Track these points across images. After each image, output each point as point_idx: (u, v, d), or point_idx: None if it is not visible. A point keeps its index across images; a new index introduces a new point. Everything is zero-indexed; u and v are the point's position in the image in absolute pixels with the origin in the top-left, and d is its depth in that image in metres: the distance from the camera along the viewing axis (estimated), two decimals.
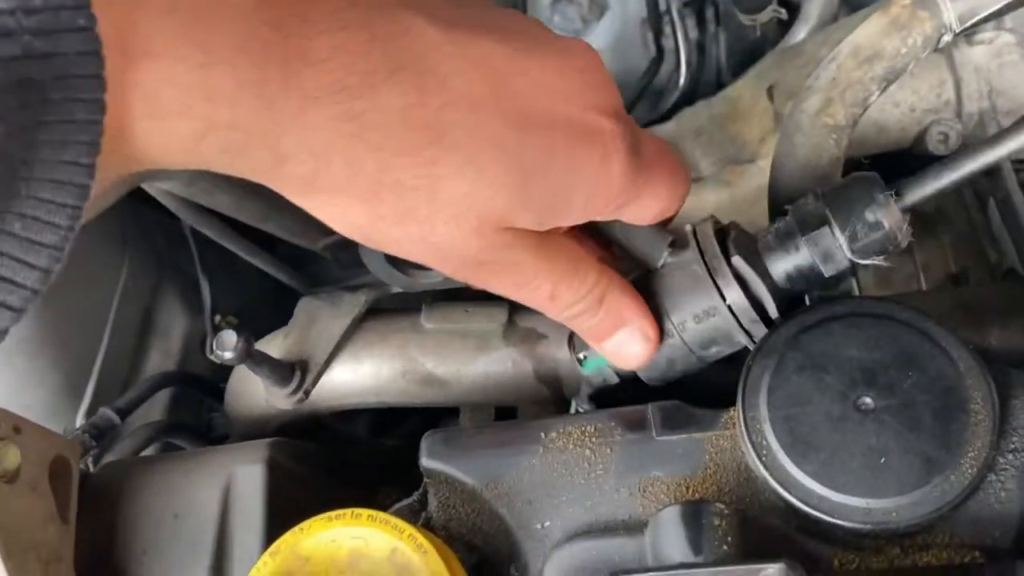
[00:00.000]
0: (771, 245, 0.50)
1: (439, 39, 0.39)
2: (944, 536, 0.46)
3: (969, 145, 0.51)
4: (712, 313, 0.49)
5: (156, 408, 0.82)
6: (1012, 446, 0.47)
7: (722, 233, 0.51)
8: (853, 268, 0.50)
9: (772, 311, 0.50)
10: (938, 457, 0.45)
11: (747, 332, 0.50)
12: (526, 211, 0.42)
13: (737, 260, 0.49)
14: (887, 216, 0.48)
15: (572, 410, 0.59)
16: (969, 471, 0.45)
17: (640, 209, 0.47)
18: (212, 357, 0.79)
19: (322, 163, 0.37)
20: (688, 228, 0.51)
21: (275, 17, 0.34)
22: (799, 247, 0.49)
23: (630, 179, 0.45)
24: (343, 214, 0.40)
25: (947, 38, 0.61)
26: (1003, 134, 0.50)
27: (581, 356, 0.54)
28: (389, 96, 0.37)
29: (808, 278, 0.50)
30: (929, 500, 0.44)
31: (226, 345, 0.51)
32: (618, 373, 0.54)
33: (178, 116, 0.33)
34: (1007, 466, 0.46)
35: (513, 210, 0.41)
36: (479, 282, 0.45)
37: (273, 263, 0.81)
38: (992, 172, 0.65)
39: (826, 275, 0.49)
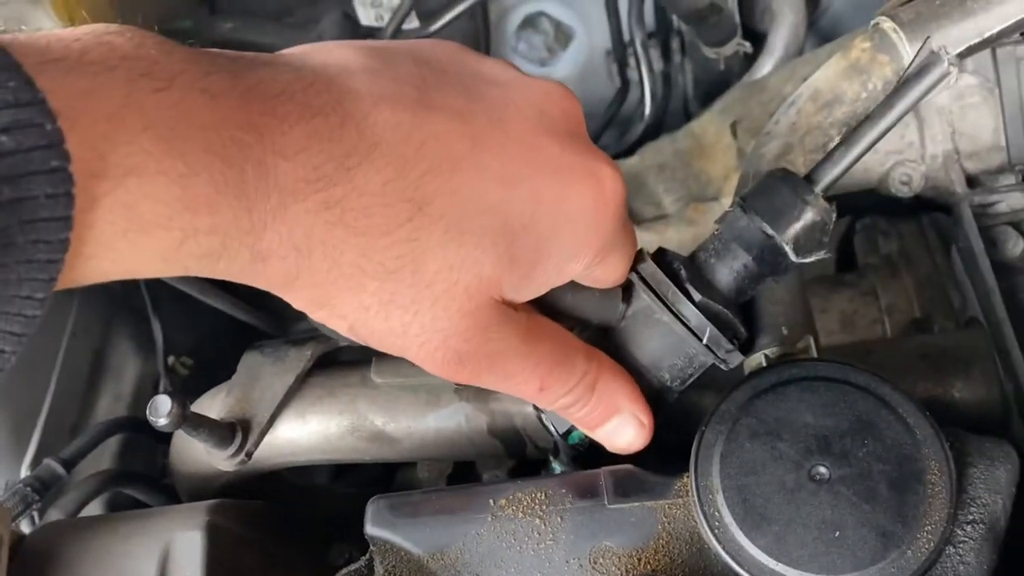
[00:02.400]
0: (713, 265, 0.49)
1: (413, 106, 0.38)
2: None
3: (869, 115, 0.50)
4: (690, 354, 0.48)
5: (105, 456, 0.80)
6: (970, 517, 0.45)
7: (664, 267, 0.49)
8: (789, 265, 0.48)
9: (742, 332, 0.49)
10: (894, 531, 0.44)
11: (724, 360, 0.49)
12: (512, 271, 0.40)
13: (699, 298, 0.47)
14: (803, 206, 0.47)
15: (552, 468, 0.56)
16: (926, 546, 0.43)
17: (614, 264, 0.45)
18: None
19: (303, 256, 0.36)
20: (632, 275, 0.49)
21: (247, 119, 0.34)
22: (746, 264, 0.48)
23: (622, 225, 0.43)
24: (326, 307, 0.39)
25: None
26: (894, 96, 0.49)
27: (564, 430, 0.52)
28: (367, 175, 0.36)
29: (755, 279, 0.49)
30: None
31: (160, 411, 0.49)
32: None
33: (160, 228, 0.32)
34: (965, 538, 0.45)
35: (500, 273, 0.40)
36: (465, 378, 0.43)
37: (230, 301, 0.79)
38: (954, 218, 0.64)
39: (767, 276, 0.48)
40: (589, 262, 0.44)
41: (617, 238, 0.44)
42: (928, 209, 0.73)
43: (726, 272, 0.48)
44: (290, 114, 0.35)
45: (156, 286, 0.84)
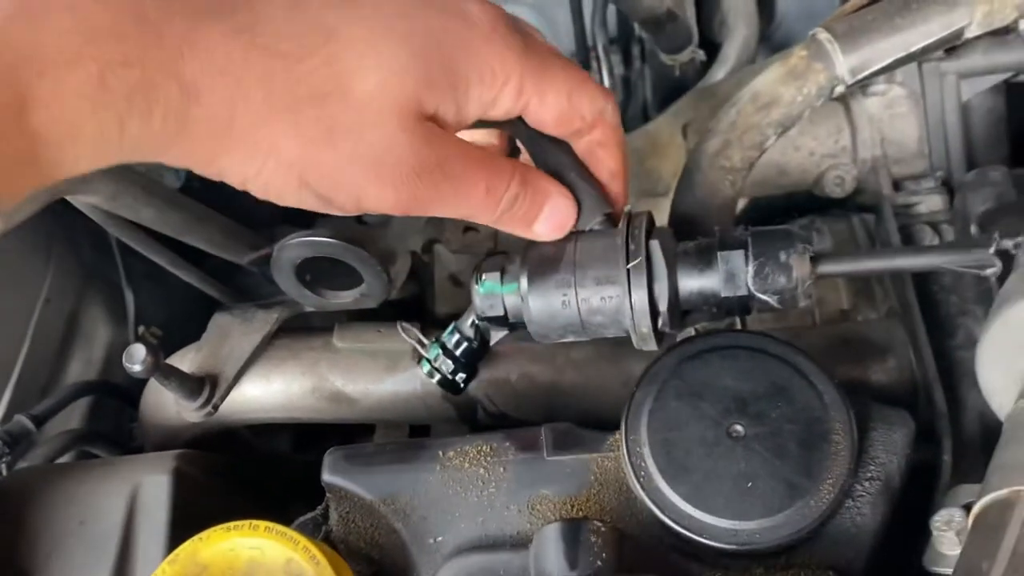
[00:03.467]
0: (688, 252, 0.52)
1: None
2: (804, 557, 0.49)
3: (894, 248, 0.57)
4: (612, 282, 0.50)
5: (75, 417, 0.83)
6: (869, 474, 0.50)
7: (652, 226, 0.53)
8: (746, 304, 0.52)
9: (663, 307, 0.51)
10: (800, 483, 0.48)
11: (632, 320, 0.50)
12: (434, 89, 0.42)
13: (654, 245, 0.51)
14: (798, 265, 0.50)
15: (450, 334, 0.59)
16: (828, 496, 0.48)
17: (542, 106, 0.46)
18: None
19: (234, 85, 0.36)
20: (626, 209, 0.53)
21: None
22: (711, 262, 0.51)
23: (523, 58, 0.44)
24: (273, 151, 0.39)
25: (840, 89, 0.65)
26: (924, 249, 0.54)
27: (478, 277, 0.54)
28: (266, 4, 0.37)
29: (704, 296, 0.52)
30: (791, 523, 0.48)
31: (135, 358, 0.53)
32: (504, 318, 0.54)
33: (69, 65, 0.32)
34: (863, 493, 0.50)
35: (423, 91, 0.41)
36: (424, 193, 0.43)
37: (199, 276, 0.83)
38: (877, 215, 0.69)
39: (721, 295, 0.51)
40: (513, 93, 0.45)
41: (532, 72, 0.45)
42: (857, 211, 0.78)
43: (692, 261, 0.51)
44: None
45: (129, 259, 0.87)
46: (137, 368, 0.53)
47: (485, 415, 0.65)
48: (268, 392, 0.63)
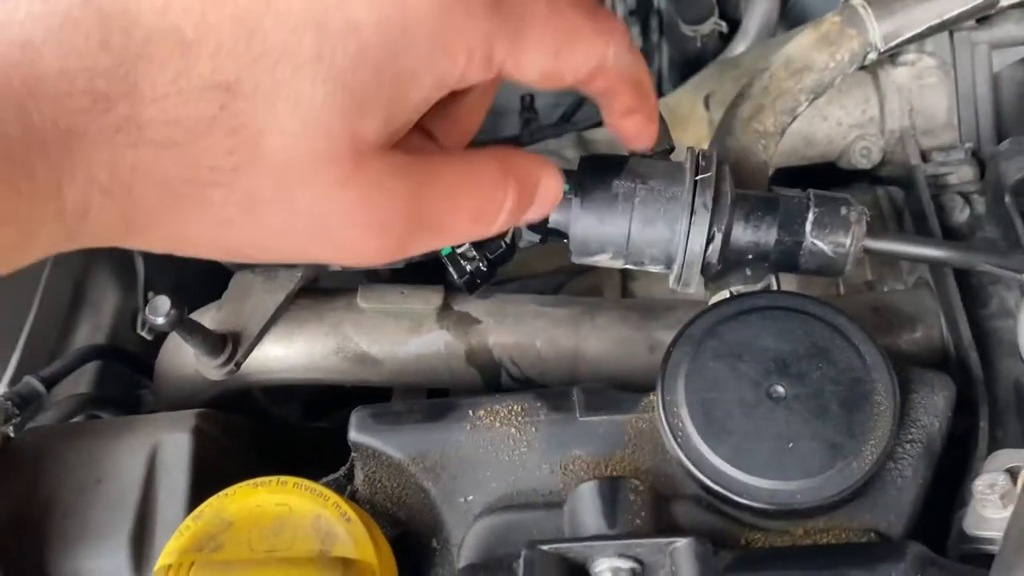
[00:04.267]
0: (747, 196, 0.52)
1: None
2: (844, 519, 0.48)
3: (943, 240, 0.57)
4: (673, 197, 0.48)
5: (82, 381, 0.81)
6: (910, 437, 0.50)
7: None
8: (795, 256, 0.52)
9: (719, 238, 0.50)
10: (842, 444, 0.48)
11: (687, 242, 0.49)
12: (368, 110, 0.34)
13: (723, 171, 0.50)
14: (856, 225, 0.51)
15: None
16: (870, 458, 0.47)
17: (518, 69, 0.38)
18: (141, 331, 0.79)
19: (120, 198, 0.31)
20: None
21: None
22: (769, 207, 0.51)
23: (491, 19, 0.36)
24: (186, 242, 0.34)
25: (872, 56, 0.64)
26: (973, 245, 0.54)
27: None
28: (150, 76, 0.31)
29: (755, 243, 0.51)
30: (832, 484, 0.47)
31: (159, 311, 0.51)
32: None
33: None
34: (904, 455, 0.49)
35: (354, 119, 0.33)
36: (399, 253, 0.38)
37: None
38: (908, 185, 0.68)
39: (776, 238, 0.51)
40: (482, 63, 0.36)
41: (511, 32, 0.37)
42: (880, 183, 0.78)
43: (752, 204, 0.51)
44: (32, 36, 0.29)
45: None
46: (160, 320, 0.52)
47: (509, 379, 0.64)
48: (290, 352, 0.62)
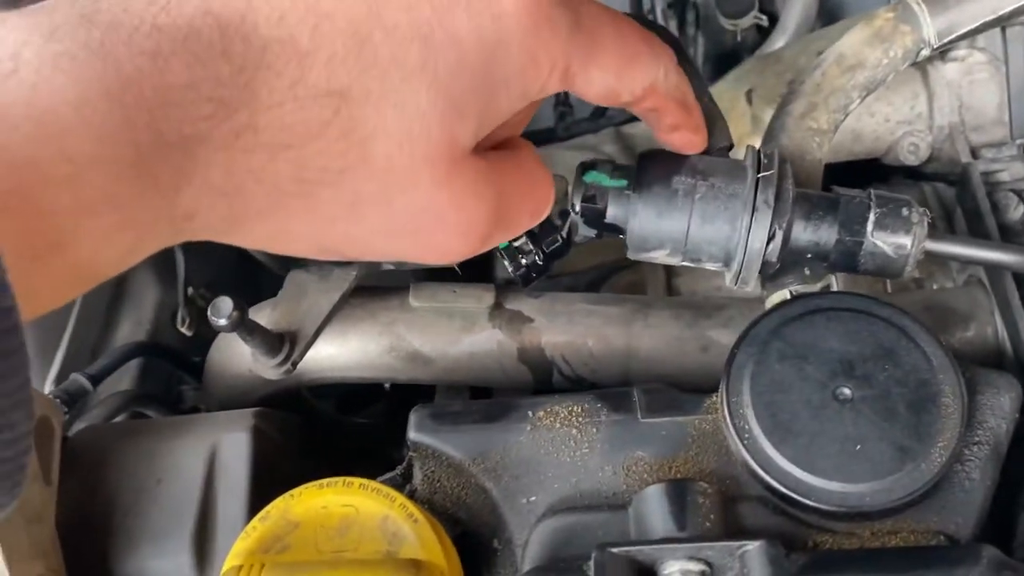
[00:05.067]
0: (807, 195, 0.51)
1: None
2: (912, 521, 0.48)
3: (1004, 243, 0.57)
4: (734, 195, 0.48)
5: (125, 378, 0.82)
6: (977, 439, 0.49)
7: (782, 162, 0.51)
8: (854, 256, 0.51)
9: (779, 237, 0.49)
10: (910, 446, 0.47)
11: (747, 240, 0.49)
12: (466, 115, 0.36)
13: (785, 170, 0.49)
14: (918, 226, 0.50)
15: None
16: (938, 460, 0.47)
17: (587, 85, 0.41)
18: (182, 327, 0.79)
19: (234, 197, 0.33)
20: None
21: (117, 78, 0.30)
22: (830, 207, 0.51)
23: (571, 38, 0.38)
24: (282, 234, 0.35)
25: (925, 52, 0.64)
26: (1006, 247, 0.54)
27: (584, 168, 0.51)
28: (269, 84, 0.32)
29: (815, 242, 0.51)
30: (900, 486, 0.47)
31: (221, 312, 0.51)
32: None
33: (55, 249, 0.29)
34: (972, 457, 0.49)
35: (454, 124, 0.36)
36: (474, 252, 0.40)
37: None
38: (960, 182, 0.68)
39: (836, 238, 0.50)
40: (559, 76, 0.39)
41: (584, 51, 0.40)
42: (925, 178, 0.77)
43: (812, 203, 0.51)
44: (160, 47, 0.30)
45: None
46: (223, 322, 0.52)
47: (561, 378, 0.64)
48: (345, 351, 0.62)
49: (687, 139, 0.49)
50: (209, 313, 0.53)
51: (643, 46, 0.43)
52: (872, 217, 0.51)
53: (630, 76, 0.43)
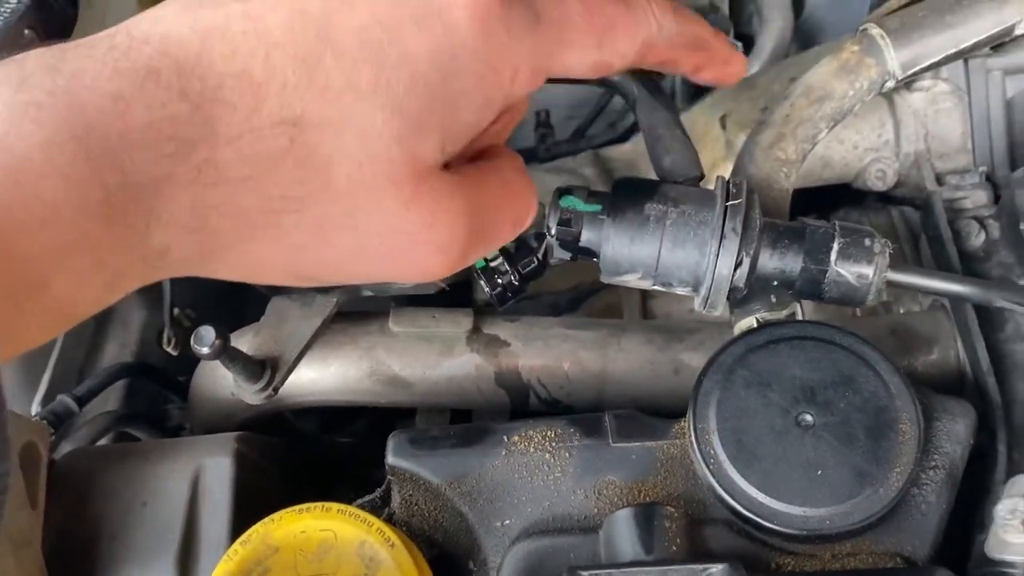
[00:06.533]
0: (773, 224, 0.53)
1: (241, 20, 0.34)
2: (871, 543, 0.50)
3: (962, 276, 0.59)
4: (703, 222, 0.50)
5: (111, 398, 0.83)
6: (933, 463, 0.51)
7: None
8: (819, 284, 0.53)
9: (746, 264, 0.51)
10: (869, 471, 0.49)
11: (715, 264, 0.50)
12: (425, 131, 0.36)
13: (753, 199, 0.51)
14: (880, 256, 0.52)
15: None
16: (896, 485, 0.49)
17: (568, 69, 0.41)
18: (167, 347, 0.80)
19: (199, 232, 0.33)
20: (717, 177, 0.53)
21: (84, 120, 0.31)
22: (795, 235, 0.52)
23: (531, 36, 0.38)
24: (254, 264, 0.36)
25: (890, 84, 0.66)
26: (992, 284, 0.57)
27: (560, 192, 0.52)
28: (225, 117, 0.33)
29: (781, 270, 0.53)
30: (859, 510, 0.49)
31: (204, 341, 0.53)
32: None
33: (34, 292, 0.30)
34: (928, 481, 0.51)
35: (413, 141, 0.35)
36: (455, 268, 0.40)
37: None
38: (925, 209, 0.70)
39: (801, 266, 0.52)
40: (527, 77, 0.39)
41: (551, 43, 0.39)
42: (894, 201, 0.79)
43: (777, 233, 0.52)
44: (122, 90, 0.31)
45: None
46: (206, 351, 0.53)
47: (537, 400, 0.66)
48: (326, 375, 0.63)
49: (716, 73, 0.49)
50: (192, 342, 0.54)
51: (619, 9, 0.42)
52: (836, 247, 0.53)
53: (612, 45, 0.42)
